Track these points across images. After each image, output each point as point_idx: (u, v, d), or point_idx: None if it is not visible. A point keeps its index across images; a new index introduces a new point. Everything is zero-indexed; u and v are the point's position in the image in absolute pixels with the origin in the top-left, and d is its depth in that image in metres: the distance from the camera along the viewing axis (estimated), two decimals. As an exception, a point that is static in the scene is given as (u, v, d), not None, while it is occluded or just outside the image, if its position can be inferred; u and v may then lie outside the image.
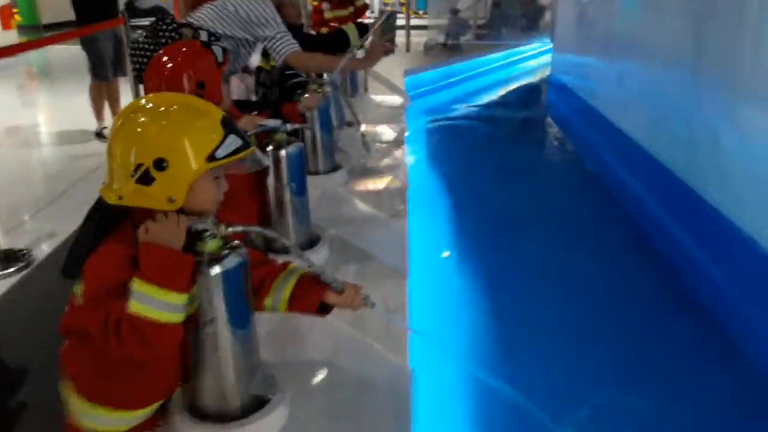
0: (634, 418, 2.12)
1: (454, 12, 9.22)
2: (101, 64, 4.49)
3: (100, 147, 4.26)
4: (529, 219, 3.75)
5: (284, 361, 1.62)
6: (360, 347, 1.73)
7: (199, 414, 1.36)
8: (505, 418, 2.02)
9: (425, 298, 2.56)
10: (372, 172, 3.33)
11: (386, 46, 3.04)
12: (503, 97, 7.55)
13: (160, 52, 1.95)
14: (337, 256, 2.30)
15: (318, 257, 2.17)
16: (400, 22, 6.78)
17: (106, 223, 1.22)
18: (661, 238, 3.52)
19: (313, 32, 4.34)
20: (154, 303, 1.13)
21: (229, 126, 1.22)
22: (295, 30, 2.86)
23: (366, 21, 3.29)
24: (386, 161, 3.54)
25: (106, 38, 4.43)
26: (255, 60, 3.12)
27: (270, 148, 2.17)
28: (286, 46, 2.63)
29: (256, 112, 2.33)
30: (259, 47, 2.80)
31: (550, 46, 8.01)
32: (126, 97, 4.40)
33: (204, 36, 2.26)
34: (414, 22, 9.42)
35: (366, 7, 5.61)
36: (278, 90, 3.17)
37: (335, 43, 2.91)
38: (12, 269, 2.51)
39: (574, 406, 2.07)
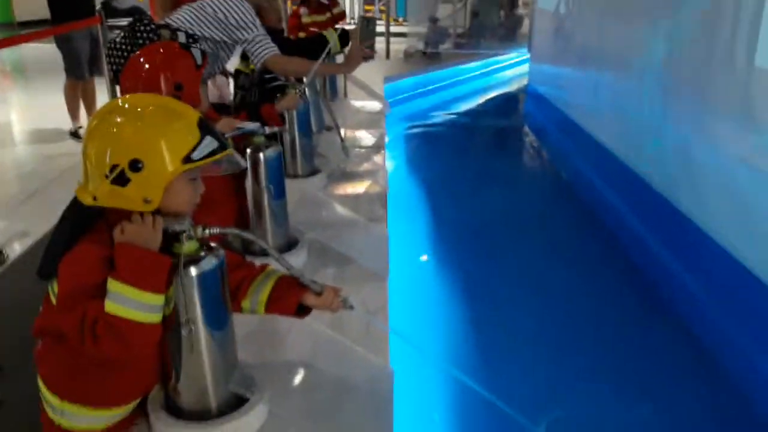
0: (612, 424, 2.16)
1: (434, 20, 9.31)
2: (77, 63, 4.42)
3: (75, 146, 4.20)
4: (506, 225, 3.80)
5: (263, 362, 1.61)
6: (340, 348, 1.73)
7: (177, 412, 1.35)
8: (485, 419, 2.04)
9: (404, 301, 2.57)
10: (351, 176, 3.33)
11: (366, 52, 3.04)
12: (481, 105, 7.64)
13: (138, 52, 1.92)
14: (316, 259, 2.30)
15: (296, 260, 2.16)
16: (380, 29, 6.82)
17: (82, 223, 1.21)
18: (636, 247, 3.58)
19: (290, 37, 4.34)
20: (130, 303, 1.12)
21: (205, 128, 1.22)
22: (275, 34, 2.86)
23: (347, 27, 3.29)
24: (366, 166, 3.54)
25: (82, 37, 4.36)
26: (234, 63, 3.11)
27: (249, 151, 2.17)
28: (266, 50, 2.63)
29: (234, 115, 2.32)
30: (238, 50, 2.79)
31: (528, 56, 8.11)
32: (102, 97, 4.33)
33: (182, 38, 2.23)
34: (394, 29, 9.48)
35: (343, 14, 5.64)
36: (257, 93, 3.16)
37: (315, 48, 2.91)
38: (-17, 269, 2.45)
39: (551, 410, 2.09)
